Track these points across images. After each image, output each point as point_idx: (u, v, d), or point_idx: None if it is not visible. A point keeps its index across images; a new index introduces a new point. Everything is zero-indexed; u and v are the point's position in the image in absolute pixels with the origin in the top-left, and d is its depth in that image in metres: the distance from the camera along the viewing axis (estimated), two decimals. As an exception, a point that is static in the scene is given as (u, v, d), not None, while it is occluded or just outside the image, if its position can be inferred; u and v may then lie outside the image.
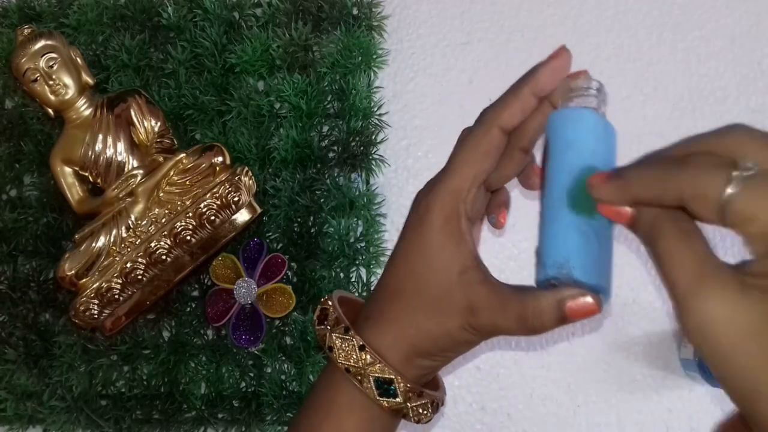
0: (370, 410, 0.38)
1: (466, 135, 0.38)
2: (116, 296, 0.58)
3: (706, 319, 0.27)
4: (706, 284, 0.28)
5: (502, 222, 0.41)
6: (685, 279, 0.29)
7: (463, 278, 0.37)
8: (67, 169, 0.61)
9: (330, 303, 0.40)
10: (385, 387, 0.37)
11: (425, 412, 0.39)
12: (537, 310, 0.35)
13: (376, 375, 0.37)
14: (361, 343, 0.38)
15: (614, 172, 0.32)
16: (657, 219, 0.31)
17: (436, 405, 0.39)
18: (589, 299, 0.33)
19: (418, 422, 0.39)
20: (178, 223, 0.58)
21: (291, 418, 0.61)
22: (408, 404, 0.38)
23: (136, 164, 0.60)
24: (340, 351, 0.38)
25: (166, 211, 0.59)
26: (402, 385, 0.37)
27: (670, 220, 0.30)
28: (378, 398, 0.37)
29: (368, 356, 0.37)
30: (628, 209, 0.32)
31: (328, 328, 0.39)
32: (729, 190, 0.28)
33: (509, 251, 0.65)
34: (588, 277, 0.33)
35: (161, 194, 0.59)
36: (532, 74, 0.36)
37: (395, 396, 0.37)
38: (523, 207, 0.66)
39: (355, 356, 0.38)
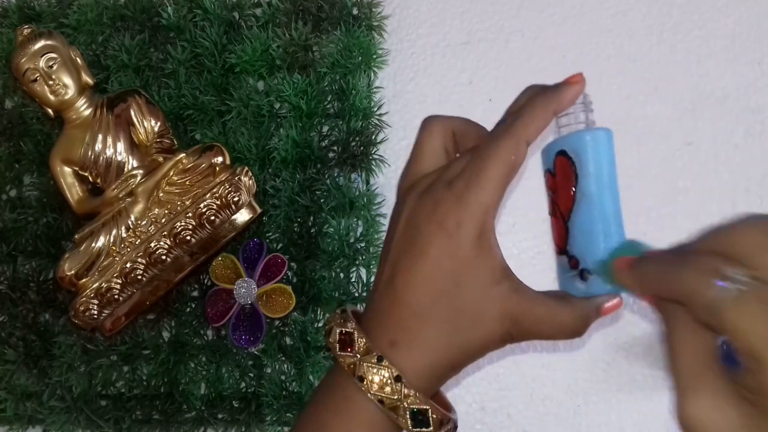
0: None
1: (493, 146, 0.37)
2: (116, 296, 0.58)
3: (696, 418, 0.29)
4: (703, 386, 0.29)
5: None
6: (686, 375, 0.30)
7: (497, 290, 0.37)
8: (67, 169, 0.61)
9: (352, 326, 0.38)
10: (420, 418, 0.37)
11: None
12: (585, 318, 0.38)
13: (414, 407, 0.37)
14: (396, 374, 0.37)
15: (633, 262, 0.34)
16: (676, 307, 0.32)
17: (456, 427, 0.39)
18: (618, 300, 0.38)
19: None
20: (178, 223, 0.58)
21: None
22: None
23: (136, 164, 0.60)
24: (373, 383, 0.37)
25: (166, 211, 0.59)
26: (435, 415, 0.37)
27: (686, 312, 0.31)
28: (412, 429, 0.37)
29: (405, 387, 0.36)
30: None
31: (357, 356, 0.37)
32: (713, 300, 0.28)
33: (509, 251, 0.65)
34: None
35: (161, 194, 0.59)
36: (557, 95, 0.37)
37: (427, 425, 0.37)
38: (523, 208, 0.66)
39: (389, 388, 0.37)
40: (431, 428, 0.37)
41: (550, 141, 0.40)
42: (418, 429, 0.37)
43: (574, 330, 0.38)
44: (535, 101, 0.38)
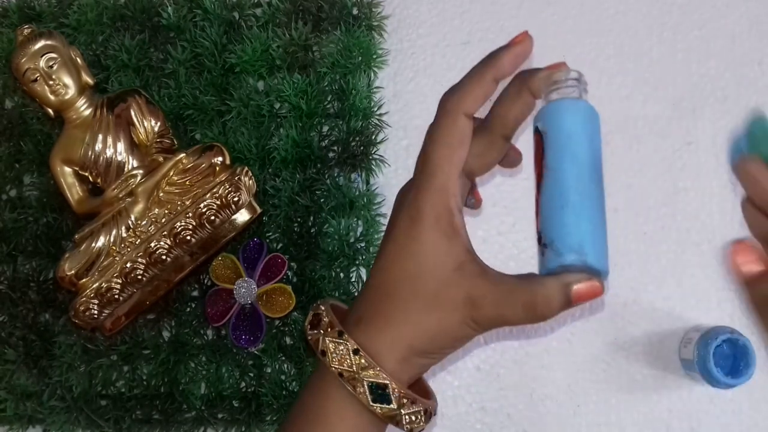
0: (361, 416, 0.38)
1: (433, 128, 0.38)
2: (116, 296, 0.58)
3: None
4: None
5: (479, 200, 0.42)
6: None
7: (459, 273, 0.37)
8: (67, 169, 0.61)
9: (323, 308, 0.40)
10: (379, 392, 0.37)
11: (418, 420, 0.38)
12: (546, 297, 0.35)
13: (371, 380, 0.37)
14: (355, 346, 0.37)
15: None
16: None
17: (429, 414, 0.39)
18: (595, 283, 0.35)
19: (410, 431, 0.38)
20: (178, 223, 0.58)
21: (279, 425, 0.61)
22: (401, 411, 0.37)
23: (136, 164, 0.60)
24: (334, 355, 0.37)
25: (166, 211, 0.59)
26: (396, 390, 0.37)
27: None
28: (371, 404, 0.37)
29: (362, 360, 0.37)
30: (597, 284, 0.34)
31: (321, 332, 0.38)
32: None
33: (509, 251, 0.65)
34: (599, 263, 0.35)
35: (161, 194, 0.59)
36: (495, 60, 0.37)
37: (389, 402, 0.37)
38: (523, 208, 0.66)
39: (348, 360, 0.37)
40: (393, 405, 0.37)
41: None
42: (378, 405, 0.37)
43: (534, 310, 0.35)
44: (473, 69, 0.38)
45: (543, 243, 0.35)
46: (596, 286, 0.35)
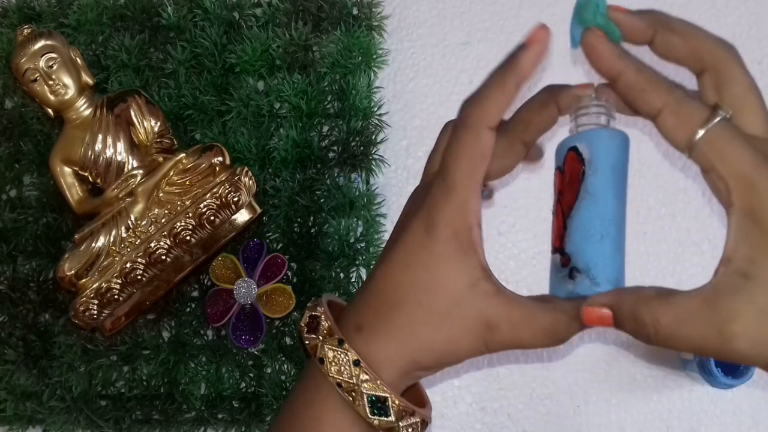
0: (357, 427, 0.37)
1: (454, 142, 0.37)
2: (116, 296, 0.58)
3: (739, 338, 0.30)
4: (731, 310, 0.31)
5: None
6: (709, 325, 0.31)
7: (473, 291, 0.36)
8: (67, 169, 0.61)
9: (321, 310, 0.38)
10: (378, 405, 0.36)
11: (414, 430, 0.38)
12: (567, 323, 0.35)
13: (371, 393, 0.36)
14: (355, 357, 0.36)
15: (620, 50, 0.35)
16: (640, 304, 0.32)
17: (425, 423, 0.38)
18: (607, 314, 0.34)
19: None
20: (178, 223, 0.58)
21: (269, 426, 0.61)
22: (399, 423, 0.37)
23: (135, 164, 0.60)
24: (332, 365, 0.36)
25: (166, 211, 0.59)
26: (395, 404, 0.36)
27: (654, 297, 0.32)
28: (370, 416, 0.36)
29: (363, 372, 0.36)
30: (608, 312, 0.33)
31: (320, 338, 0.37)
32: (700, 132, 0.31)
33: (509, 251, 0.65)
34: None
35: (161, 194, 0.59)
36: (514, 65, 0.35)
37: (387, 414, 0.36)
38: (523, 208, 0.66)
39: (348, 371, 0.36)
40: (391, 418, 0.36)
41: (565, 138, 0.39)
42: (377, 417, 0.36)
43: (554, 335, 0.35)
44: (491, 79, 0.36)
45: (574, 267, 0.36)
46: (609, 317, 0.34)
